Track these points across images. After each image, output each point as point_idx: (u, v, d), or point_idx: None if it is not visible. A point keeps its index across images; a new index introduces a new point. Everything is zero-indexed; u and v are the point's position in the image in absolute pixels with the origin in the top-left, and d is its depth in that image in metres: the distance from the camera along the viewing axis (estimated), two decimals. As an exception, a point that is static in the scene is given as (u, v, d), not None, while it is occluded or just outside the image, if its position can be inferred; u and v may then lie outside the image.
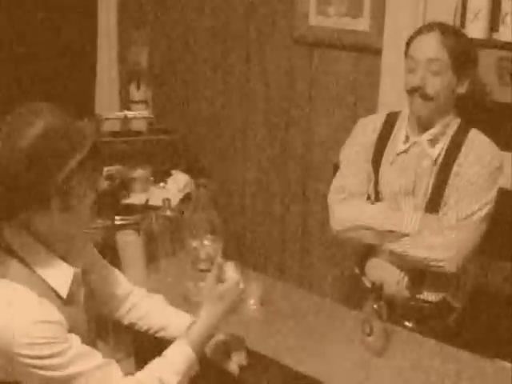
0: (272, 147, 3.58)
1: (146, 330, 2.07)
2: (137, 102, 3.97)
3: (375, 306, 2.03)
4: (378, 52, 2.95)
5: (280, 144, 3.54)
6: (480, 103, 2.67)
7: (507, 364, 2.10)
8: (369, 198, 2.51)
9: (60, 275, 1.68)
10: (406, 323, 2.44)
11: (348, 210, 2.47)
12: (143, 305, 2.08)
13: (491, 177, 2.32)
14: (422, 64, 2.31)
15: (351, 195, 2.49)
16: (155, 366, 1.74)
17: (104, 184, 2.97)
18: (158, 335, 2.07)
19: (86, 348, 1.65)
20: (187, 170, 3.46)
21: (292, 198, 3.55)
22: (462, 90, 2.37)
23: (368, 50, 3.06)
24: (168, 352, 1.77)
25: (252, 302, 2.31)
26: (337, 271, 3.38)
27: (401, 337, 2.19)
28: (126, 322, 2.09)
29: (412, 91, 2.35)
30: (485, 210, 2.32)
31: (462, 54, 2.32)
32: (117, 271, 2.11)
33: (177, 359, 1.75)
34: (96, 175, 1.78)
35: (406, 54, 2.40)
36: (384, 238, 2.40)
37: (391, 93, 2.85)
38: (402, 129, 2.48)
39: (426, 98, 2.33)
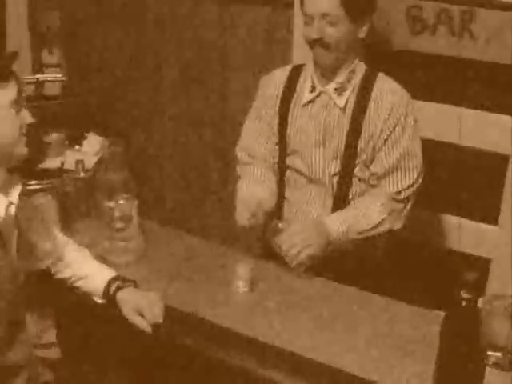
0: (188, 104, 3.55)
1: (68, 279, 2.11)
2: (50, 66, 3.87)
3: None
4: (290, 5, 2.93)
5: (196, 101, 3.52)
6: (391, 52, 2.68)
7: (422, 309, 2.14)
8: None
9: None
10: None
11: None
12: (70, 254, 2.13)
13: (412, 128, 2.33)
14: (316, 18, 2.26)
15: (254, 158, 2.56)
16: None
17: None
18: (76, 285, 2.11)
19: None
20: (102, 133, 3.42)
21: (209, 154, 3.55)
22: (362, 34, 2.34)
23: (280, 2, 3.03)
24: None
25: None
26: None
27: (320, 285, 2.22)
28: (53, 269, 2.11)
29: (312, 43, 2.33)
30: (418, 170, 2.35)
31: (356, 2, 2.27)
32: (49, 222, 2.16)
33: None
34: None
35: (301, 8, 2.35)
36: None
37: (304, 46, 2.83)
38: (307, 80, 2.45)
39: (326, 47, 2.30)
